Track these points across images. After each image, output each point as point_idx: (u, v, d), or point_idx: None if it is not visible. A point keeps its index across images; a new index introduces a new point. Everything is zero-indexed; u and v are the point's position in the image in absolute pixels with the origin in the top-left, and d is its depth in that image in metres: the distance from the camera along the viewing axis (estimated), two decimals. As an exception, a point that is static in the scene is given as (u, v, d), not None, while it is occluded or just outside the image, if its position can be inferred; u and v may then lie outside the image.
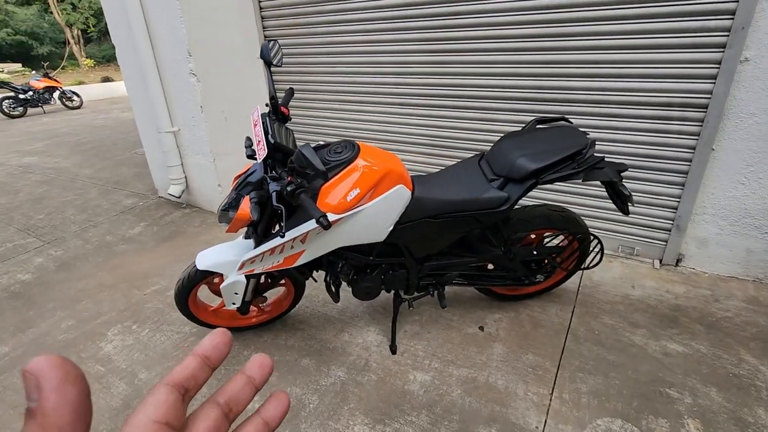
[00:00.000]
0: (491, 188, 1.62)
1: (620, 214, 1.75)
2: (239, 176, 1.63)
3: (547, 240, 1.94)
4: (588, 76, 2.32)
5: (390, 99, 3.04)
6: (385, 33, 2.86)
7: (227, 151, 3.34)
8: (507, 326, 2.09)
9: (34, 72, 14.47)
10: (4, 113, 9.74)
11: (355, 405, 1.73)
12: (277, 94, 1.65)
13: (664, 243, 2.47)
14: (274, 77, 3.56)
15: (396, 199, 1.58)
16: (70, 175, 4.99)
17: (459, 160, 1.91)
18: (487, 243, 1.82)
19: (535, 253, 1.89)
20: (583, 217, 2.61)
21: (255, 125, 1.47)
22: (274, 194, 1.32)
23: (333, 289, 1.87)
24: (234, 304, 1.83)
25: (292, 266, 1.63)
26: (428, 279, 1.92)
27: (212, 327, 2.06)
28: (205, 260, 1.75)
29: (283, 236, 1.27)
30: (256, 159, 1.50)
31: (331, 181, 1.49)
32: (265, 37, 3.38)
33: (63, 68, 17.78)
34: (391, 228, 1.64)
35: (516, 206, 1.69)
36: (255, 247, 1.61)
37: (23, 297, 2.60)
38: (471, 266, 1.93)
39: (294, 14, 3.17)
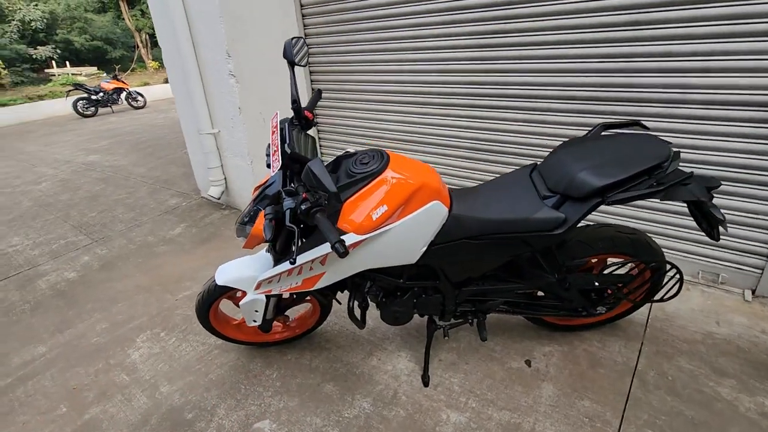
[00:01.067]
0: (544, 207, 1.36)
1: (705, 235, 1.42)
2: (259, 187, 1.49)
3: (611, 266, 1.63)
4: (665, 71, 1.96)
5: (431, 99, 2.81)
6: (429, 27, 2.63)
7: (264, 153, 3.27)
8: (559, 362, 1.81)
9: (105, 74, 15.64)
10: (78, 113, 10.56)
11: (378, 445, 1.54)
12: (301, 93, 1.48)
13: (759, 271, 2.05)
14: (312, 77, 3.53)
15: (430, 217, 1.37)
16: (125, 173, 5.21)
17: (508, 171, 1.66)
18: (537, 268, 1.56)
19: (596, 283, 1.60)
20: (655, 235, 2.28)
21: (273, 132, 1.32)
22: (288, 212, 1.16)
23: (359, 312, 1.70)
24: (255, 321, 1.71)
25: (312, 289, 1.47)
26: (467, 305, 1.69)
27: (235, 341, 1.96)
28: (224, 275, 1.63)
29: (293, 262, 1.11)
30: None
31: (355, 196, 1.31)
32: (305, 35, 3.27)
33: (132, 70, 19.10)
34: (425, 249, 1.43)
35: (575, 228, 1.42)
36: (273, 266, 1.46)
37: (67, 296, 2.67)
38: (517, 293, 1.67)
39: (335, 11, 3.02)
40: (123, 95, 11.30)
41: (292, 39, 1.42)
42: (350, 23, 2.99)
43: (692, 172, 1.31)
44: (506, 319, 2.06)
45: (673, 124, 2.02)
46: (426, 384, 1.75)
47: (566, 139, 1.61)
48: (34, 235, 3.64)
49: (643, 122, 1.51)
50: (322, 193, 1.20)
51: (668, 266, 1.61)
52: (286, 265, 1.39)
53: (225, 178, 3.53)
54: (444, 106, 2.78)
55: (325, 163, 1.34)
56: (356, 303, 1.70)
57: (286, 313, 1.93)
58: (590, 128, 1.61)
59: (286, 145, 1.24)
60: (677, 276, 1.63)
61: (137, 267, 2.91)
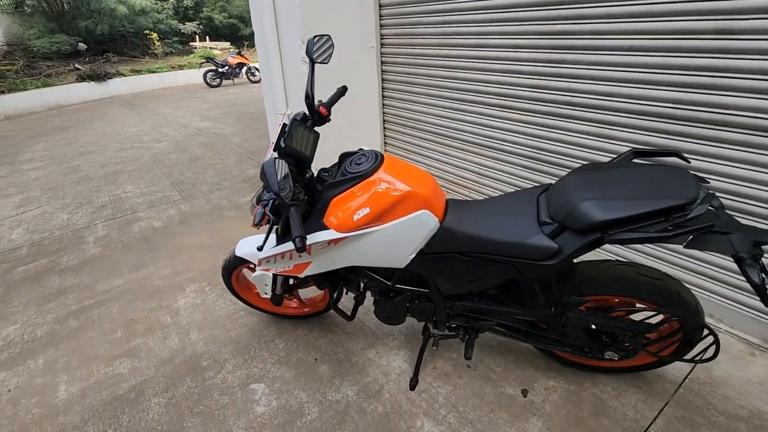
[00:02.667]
0: (539, 234, 1.25)
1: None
2: None
3: (628, 311, 1.44)
4: (761, 92, 1.62)
5: (492, 99, 2.67)
6: (497, 24, 2.49)
7: (326, 137, 3.42)
8: (559, 400, 1.67)
9: (232, 49, 17.48)
10: (207, 83, 12.04)
11: (348, 433, 1.61)
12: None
13: None
14: (383, 67, 3.57)
15: (417, 227, 1.35)
16: (224, 141, 5.87)
17: (523, 188, 1.54)
18: (535, 296, 1.44)
19: (593, 326, 1.43)
20: (709, 280, 1.94)
21: (279, 125, 1.41)
22: (271, 202, 1.25)
23: (349, 307, 1.76)
24: (266, 294, 1.87)
25: (301, 275, 1.57)
26: (460, 319, 1.64)
27: (253, 307, 2.16)
28: (241, 248, 1.81)
29: (259, 249, 1.20)
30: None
31: (343, 195, 1.35)
32: (381, 26, 3.32)
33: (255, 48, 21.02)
34: (414, 256, 1.42)
35: (576, 260, 1.28)
36: (275, 246, 1.59)
37: (149, 241, 3.16)
38: (516, 318, 1.57)
39: (411, 2, 3.01)
40: (244, 70, 12.56)
41: (315, 37, 1.48)
42: (424, 15, 2.95)
43: (730, 216, 1.09)
44: (516, 342, 1.95)
45: (763, 157, 1.67)
46: (412, 388, 1.76)
47: (588, 163, 1.43)
48: (142, 186, 4.33)
49: (683, 155, 1.29)
50: (299, 190, 1.27)
51: (698, 325, 1.37)
52: (282, 247, 1.50)
53: (294, 157, 3.79)
54: (505, 108, 2.63)
55: (355, 156, 1.40)
56: (353, 296, 1.75)
57: (299, 293, 2.07)
58: (620, 154, 1.41)
59: (282, 140, 1.32)
60: (713, 340, 1.38)
61: (206, 226, 3.32)
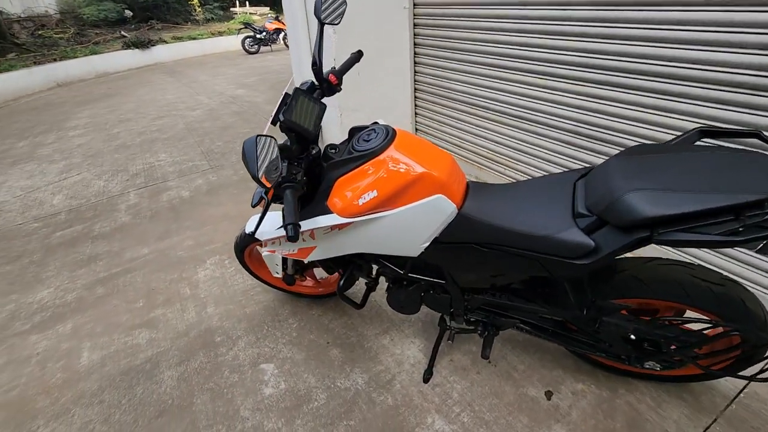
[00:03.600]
0: (573, 227, 1.06)
1: None
2: None
3: (678, 320, 1.23)
4: None
5: (538, 66, 2.38)
6: (545, -24, 2.17)
7: (355, 107, 3.26)
8: (588, 407, 1.51)
9: (269, 15, 17.25)
10: (245, 49, 11.99)
11: (354, 424, 1.53)
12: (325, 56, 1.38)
13: None
14: (418, 30, 3.29)
15: (430, 213, 1.20)
16: (256, 110, 5.82)
17: (556, 172, 1.33)
18: (564, 295, 1.26)
19: (632, 336, 1.24)
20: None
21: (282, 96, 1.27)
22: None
23: (358, 294, 1.65)
24: (277, 273, 1.80)
25: (306, 260, 1.46)
26: (479, 314, 1.49)
27: (266, 284, 2.10)
28: (250, 225, 1.73)
29: (251, 234, 1.10)
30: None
31: (348, 175, 1.20)
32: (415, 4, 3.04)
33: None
34: (427, 244, 1.27)
35: (617, 258, 1.09)
36: (278, 228, 1.48)
37: (176, 210, 3.19)
38: (542, 317, 1.40)
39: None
40: (281, 36, 12.38)
41: None
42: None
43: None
44: (544, 338, 1.78)
45: None
46: (426, 380, 1.65)
47: (640, 144, 1.19)
48: (175, 154, 4.38)
49: (765, 134, 1.02)
50: (297, 170, 1.14)
51: (764, 342, 1.14)
52: (279, 232, 1.40)
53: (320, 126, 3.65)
54: (549, 76, 2.33)
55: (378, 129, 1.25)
56: (364, 282, 1.64)
57: (313, 272, 1.99)
58: (684, 132, 1.15)
59: (281, 113, 1.18)
60: None
61: (231, 197, 3.30)
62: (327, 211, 1.23)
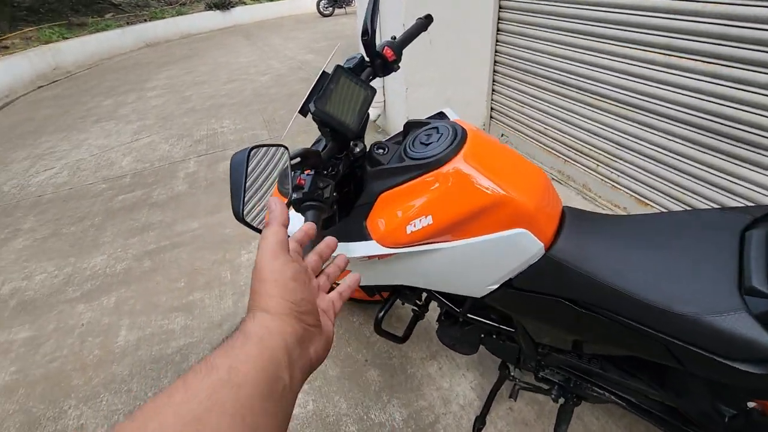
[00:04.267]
0: (741, 311, 0.67)
1: None
2: None
3: None
4: None
5: (660, 38, 1.83)
6: None
7: (423, 81, 2.88)
8: None
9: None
10: (319, 12, 11.75)
11: (385, 473, 1.30)
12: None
13: None
14: (501, 13, 2.75)
15: (506, 251, 0.86)
16: (323, 77, 5.58)
17: (705, 208, 0.90)
18: (696, 386, 0.88)
19: None
20: None
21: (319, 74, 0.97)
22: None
23: (407, 325, 1.37)
24: None
25: (339, 282, 1.19)
26: (556, 375, 1.14)
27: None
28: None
29: None
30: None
31: (395, 190, 0.89)
32: (508, -70, 2.50)
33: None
34: (496, 287, 0.94)
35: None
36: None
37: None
38: (647, 397, 1.02)
39: None
40: (357, -3, 11.94)
41: None
42: None
43: None
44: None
45: None
46: (476, 430, 1.35)
47: None
48: (238, 122, 4.31)
49: None
50: (326, 182, 0.84)
51: None
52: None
53: (384, 101, 3.33)
54: (675, 52, 1.78)
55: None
56: (411, 308, 1.35)
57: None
58: None
59: (312, 102, 0.89)
60: None
61: (285, 173, 3.13)
62: (364, 235, 0.93)
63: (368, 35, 0.99)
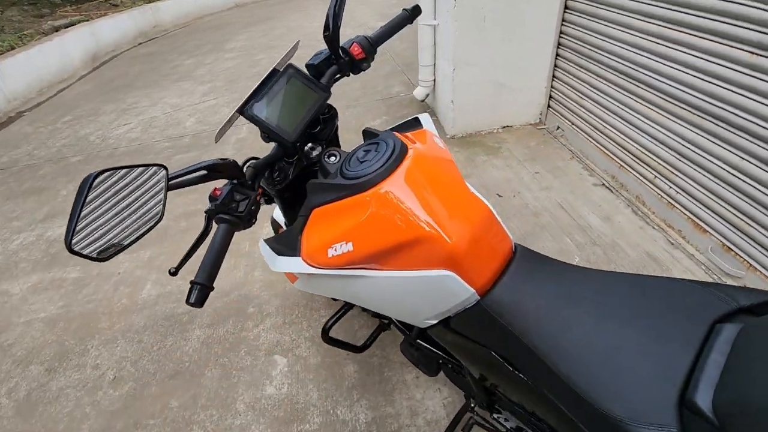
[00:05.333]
0: (671, 427, 0.53)
1: None
2: None
3: None
4: None
5: (746, 31, 1.46)
6: None
7: (473, 61, 2.65)
8: None
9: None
10: (404, -26, 11.29)
11: (334, 472, 1.31)
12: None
13: None
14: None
15: (436, 290, 0.77)
16: (386, 47, 5.41)
17: (685, 279, 0.72)
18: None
19: None
20: None
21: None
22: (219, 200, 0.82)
23: (371, 333, 1.32)
24: None
25: (294, 285, 1.16)
26: (512, 418, 1.04)
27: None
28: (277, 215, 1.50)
29: (173, 273, 0.83)
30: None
31: (326, 207, 0.82)
32: None
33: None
34: (434, 322, 0.86)
35: None
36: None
37: (272, 153, 3.18)
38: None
39: None
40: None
41: None
42: None
43: None
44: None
45: None
46: (434, 452, 1.30)
47: None
48: (295, 90, 4.37)
49: None
50: (245, 193, 0.80)
51: None
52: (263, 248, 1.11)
53: (434, 80, 3.14)
54: (763, 50, 1.42)
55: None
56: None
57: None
58: None
59: (249, 104, 0.84)
60: None
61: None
62: (296, 248, 0.89)
63: (329, 30, 0.91)
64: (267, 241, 1.01)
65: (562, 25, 2.55)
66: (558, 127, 2.82)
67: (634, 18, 1.97)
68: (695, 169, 1.80)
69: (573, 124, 2.65)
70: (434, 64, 3.06)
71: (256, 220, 0.84)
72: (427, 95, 3.25)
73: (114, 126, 4.16)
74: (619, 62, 2.13)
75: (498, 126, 3.00)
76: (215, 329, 1.83)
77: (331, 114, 1.02)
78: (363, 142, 0.90)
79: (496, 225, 0.80)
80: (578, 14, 2.40)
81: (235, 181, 0.80)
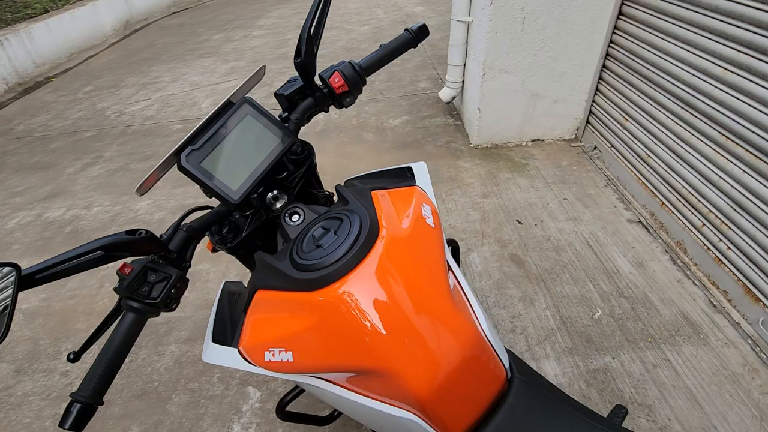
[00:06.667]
0: None
1: None
2: None
3: None
4: None
5: None
6: None
7: (506, 67, 2.37)
8: None
9: None
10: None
11: None
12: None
13: None
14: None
15: (392, 429, 0.57)
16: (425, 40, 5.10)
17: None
18: None
19: None
20: None
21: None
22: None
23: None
24: None
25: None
26: None
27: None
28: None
29: (71, 361, 0.67)
30: None
31: (269, 293, 0.64)
32: None
33: None
34: None
35: None
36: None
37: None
38: None
39: None
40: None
41: None
42: None
43: None
44: None
45: None
46: None
47: None
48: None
49: None
50: (159, 278, 0.62)
51: None
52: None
53: (463, 83, 2.88)
54: None
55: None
56: None
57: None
58: None
59: (184, 152, 0.65)
60: None
61: (337, 146, 2.95)
62: (236, 329, 0.70)
63: (301, 56, 0.70)
64: (225, 293, 0.84)
65: (614, 33, 2.23)
66: (595, 147, 2.52)
67: (704, 36, 1.66)
68: (754, 225, 1.51)
69: (612, 146, 2.35)
70: (464, 65, 2.79)
71: (177, 304, 0.66)
72: (454, 98, 2.99)
73: (132, 101, 4.07)
74: (676, 85, 1.83)
75: (528, 139, 2.73)
76: (191, 346, 1.71)
77: (305, 154, 0.83)
78: (329, 208, 0.71)
79: (487, 352, 0.59)
80: (635, 23, 2.08)
81: (151, 258, 0.62)
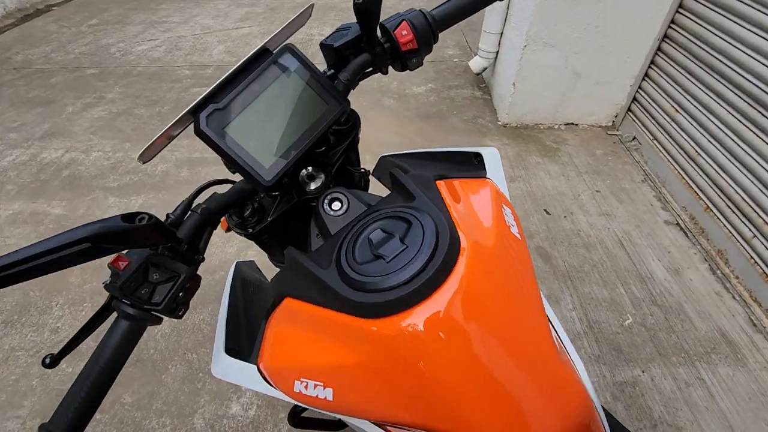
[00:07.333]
0: None
1: None
2: None
3: None
4: None
5: None
6: None
7: (550, 40, 2.15)
8: None
9: None
10: None
11: None
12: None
13: None
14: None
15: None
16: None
17: None
18: None
19: None
20: None
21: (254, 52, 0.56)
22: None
23: None
24: None
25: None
26: None
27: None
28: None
29: (49, 365, 0.54)
30: None
31: (308, 307, 0.50)
32: None
33: None
34: None
35: None
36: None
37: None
38: None
39: None
40: None
41: None
42: None
43: None
44: None
45: None
46: None
47: None
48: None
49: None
50: (164, 277, 0.49)
51: None
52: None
53: (497, 53, 2.64)
54: None
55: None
56: None
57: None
58: None
59: (204, 111, 0.50)
60: None
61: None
62: (256, 338, 0.58)
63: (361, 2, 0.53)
64: (238, 275, 0.73)
65: (677, 12, 2.00)
66: (634, 138, 2.34)
67: (791, 23, 1.45)
68: (817, 243, 1.38)
69: (655, 138, 2.17)
70: (501, 34, 2.55)
71: (186, 309, 0.53)
72: (485, 69, 2.76)
73: (138, 40, 3.81)
74: (743, 76, 1.64)
75: (561, 122, 2.53)
76: (191, 314, 1.60)
77: (350, 125, 0.67)
78: (382, 199, 0.56)
79: (596, 424, 0.46)
80: (704, 3, 1.85)
81: (154, 250, 0.48)
